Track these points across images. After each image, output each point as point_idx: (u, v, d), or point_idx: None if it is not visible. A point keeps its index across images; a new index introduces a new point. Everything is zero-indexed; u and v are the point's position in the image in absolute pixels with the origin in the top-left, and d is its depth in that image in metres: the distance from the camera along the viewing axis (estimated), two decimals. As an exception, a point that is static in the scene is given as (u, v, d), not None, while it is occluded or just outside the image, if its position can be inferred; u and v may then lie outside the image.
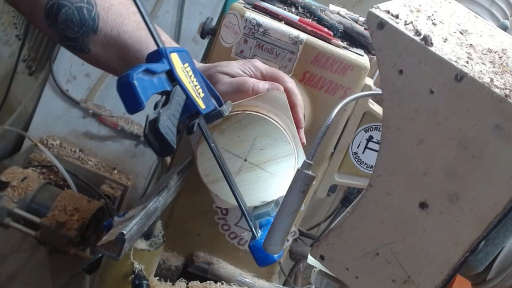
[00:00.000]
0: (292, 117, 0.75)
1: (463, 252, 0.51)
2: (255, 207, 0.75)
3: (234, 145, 0.72)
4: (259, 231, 0.70)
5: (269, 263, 0.69)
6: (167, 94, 0.59)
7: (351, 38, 0.89)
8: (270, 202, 0.75)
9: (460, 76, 0.46)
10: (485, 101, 0.46)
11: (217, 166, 0.69)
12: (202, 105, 0.64)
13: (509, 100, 0.45)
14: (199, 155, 0.72)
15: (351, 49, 0.85)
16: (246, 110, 0.71)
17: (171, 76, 0.60)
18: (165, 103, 0.58)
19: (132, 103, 0.53)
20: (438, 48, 0.48)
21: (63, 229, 1.33)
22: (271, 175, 0.73)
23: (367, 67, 0.84)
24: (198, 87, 0.64)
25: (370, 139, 0.91)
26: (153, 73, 0.57)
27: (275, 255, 0.67)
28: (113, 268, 0.77)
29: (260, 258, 0.68)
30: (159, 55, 0.60)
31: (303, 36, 0.82)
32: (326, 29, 0.84)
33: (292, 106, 0.76)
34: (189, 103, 0.62)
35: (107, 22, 0.76)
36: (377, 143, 0.91)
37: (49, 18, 0.75)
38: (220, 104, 0.69)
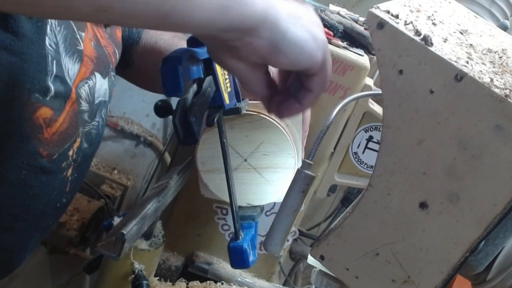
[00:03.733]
0: (301, 132, 0.75)
1: (463, 252, 0.51)
2: (240, 208, 0.74)
3: (239, 142, 0.71)
4: (241, 233, 0.69)
5: (243, 268, 0.68)
6: (199, 83, 0.58)
7: (351, 38, 0.89)
8: (257, 206, 0.75)
9: (460, 76, 0.46)
10: (485, 101, 0.46)
11: (216, 157, 0.68)
12: (227, 100, 0.63)
13: (509, 100, 0.45)
14: (201, 142, 0.71)
15: (351, 49, 0.85)
16: (261, 113, 0.71)
17: (208, 65, 0.59)
18: (197, 92, 0.57)
19: (173, 87, 0.53)
20: (438, 48, 0.48)
21: (63, 229, 1.33)
22: (265, 182, 0.72)
23: (367, 67, 0.84)
24: (227, 80, 0.63)
25: (370, 139, 0.91)
26: (195, 59, 0.56)
27: (250, 261, 0.67)
28: (113, 268, 0.77)
29: (236, 261, 0.67)
30: (195, 42, 0.58)
31: (303, 36, 0.82)
32: (326, 29, 0.84)
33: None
34: (216, 96, 0.61)
35: (149, 32, 0.82)
36: (377, 143, 0.91)
37: None
38: (239, 100, 0.68)
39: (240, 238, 0.67)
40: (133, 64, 0.83)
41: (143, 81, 0.89)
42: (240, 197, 0.73)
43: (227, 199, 0.70)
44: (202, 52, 0.58)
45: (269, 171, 0.72)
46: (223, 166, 0.69)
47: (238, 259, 0.67)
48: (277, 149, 0.71)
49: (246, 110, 0.70)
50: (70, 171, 0.64)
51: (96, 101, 0.65)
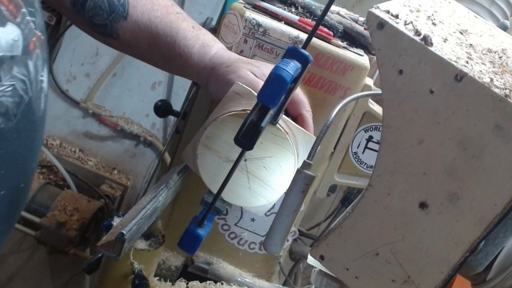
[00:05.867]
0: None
1: (463, 252, 0.51)
2: (211, 195, 0.74)
3: None
4: (205, 223, 0.69)
5: (186, 252, 0.68)
6: None
7: (351, 38, 0.89)
8: (226, 202, 0.75)
9: (460, 76, 0.46)
10: (485, 101, 0.46)
11: (222, 141, 0.69)
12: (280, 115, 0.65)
13: (509, 100, 0.45)
14: (220, 120, 0.70)
15: (351, 49, 0.85)
16: (288, 135, 0.70)
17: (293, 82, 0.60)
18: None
19: (272, 98, 0.53)
20: (438, 48, 0.48)
21: (63, 229, 1.34)
22: (247, 188, 0.72)
23: (367, 67, 0.84)
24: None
25: (370, 139, 0.91)
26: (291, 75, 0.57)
27: (193, 249, 0.67)
28: (113, 268, 0.77)
29: (186, 244, 0.67)
30: (301, 58, 0.57)
31: (303, 36, 0.82)
32: (326, 29, 0.84)
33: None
34: (276, 111, 0.62)
35: (137, 8, 0.77)
36: (377, 143, 0.91)
37: (75, 6, 0.76)
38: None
39: (202, 227, 0.67)
40: (118, 38, 0.78)
41: (131, 53, 0.84)
42: (216, 185, 0.73)
43: (204, 179, 0.71)
44: (299, 70, 0.58)
45: (258, 183, 0.72)
46: (223, 151, 0.70)
47: (190, 244, 0.66)
48: (278, 170, 0.71)
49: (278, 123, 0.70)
50: None
51: None
